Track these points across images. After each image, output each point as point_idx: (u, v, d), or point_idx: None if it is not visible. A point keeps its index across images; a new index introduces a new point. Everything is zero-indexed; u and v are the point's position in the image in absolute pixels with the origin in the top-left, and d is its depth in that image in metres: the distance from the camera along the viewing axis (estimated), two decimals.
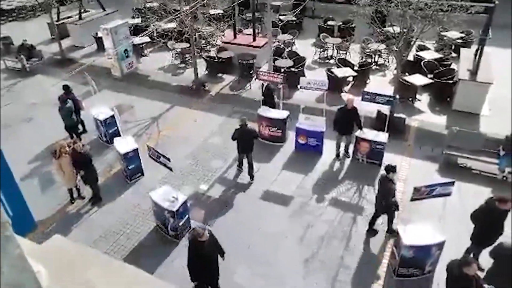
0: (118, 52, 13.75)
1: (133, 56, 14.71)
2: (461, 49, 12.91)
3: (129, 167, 9.10)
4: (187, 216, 7.76)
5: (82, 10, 17.39)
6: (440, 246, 6.49)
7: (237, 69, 13.78)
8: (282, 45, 14.69)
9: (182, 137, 10.86)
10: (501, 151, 8.63)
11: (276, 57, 13.46)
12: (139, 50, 15.72)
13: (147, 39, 15.40)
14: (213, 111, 11.93)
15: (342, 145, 9.79)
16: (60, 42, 15.77)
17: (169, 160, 7.21)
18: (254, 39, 14.52)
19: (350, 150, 9.77)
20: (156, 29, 14.89)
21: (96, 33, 16.13)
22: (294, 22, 16.88)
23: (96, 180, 8.52)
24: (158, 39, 14.51)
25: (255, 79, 12.41)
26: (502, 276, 5.60)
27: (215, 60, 14.11)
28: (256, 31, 14.83)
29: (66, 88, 10.34)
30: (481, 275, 6.34)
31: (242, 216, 8.20)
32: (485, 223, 6.22)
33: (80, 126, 10.84)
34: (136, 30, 16.16)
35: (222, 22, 14.00)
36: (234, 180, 9.24)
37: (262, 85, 10.85)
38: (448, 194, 6.28)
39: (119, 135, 9.76)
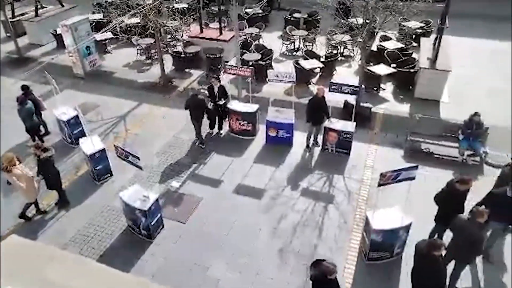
0: (80, 49, 13.25)
1: (96, 53, 14.22)
2: (421, 38, 13.40)
3: (97, 168, 8.85)
4: (159, 214, 7.67)
5: (39, 6, 16.57)
6: (407, 228, 6.78)
7: (205, 64, 13.64)
8: (249, 39, 14.67)
9: (151, 134, 10.67)
10: (460, 135, 9.07)
11: (243, 51, 13.44)
12: (102, 46, 15.21)
13: (109, 35, 14.91)
14: (182, 107, 11.73)
15: (312, 135, 9.96)
16: (16, 40, 14.98)
17: (138, 158, 7.06)
18: (221, 33, 14.41)
19: (319, 140, 9.95)
20: (119, 25, 14.46)
21: (55, 30, 15.45)
22: (261, 15, 16.89)
23: (60, 183, 8.22)
24: (121, 35, 14.11)
25: (223, 73, 12.31)
26: (458, 247, 5.97)
27: (182, 55, 13.90)
28: (223, 24, 14.72)
29: (25, 88, 9.87)
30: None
31: (216, 211, 8.20)
32: (447, 204, 6.55)
33: (42, 128, 10.40)
34: (97, 26, 15.61)
35: (187, 16, 13.78)
36: (207, 175, 9.20)
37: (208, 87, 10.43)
38: (413, 178, 6.52)
39: (85, 136, 9.44)
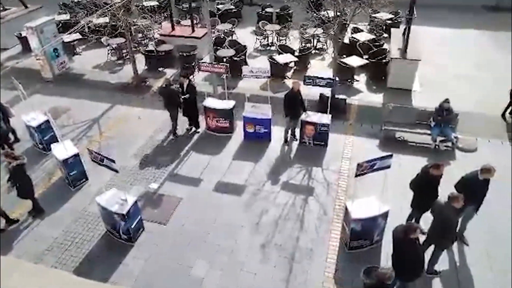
0: (47, 51, 12.80)
1: (64, 55, 13.79)
2: (391, 29, 13.67)
3: (71, 174, 8.60)
4: (139, 217, 7.55)
5: (1, 8, 15.87)
6: (385, 215, 6.94)
7: (178, 62, 13.45)
8: (223, 35, 14.57)
9: (126, 136, 10.45)
10: (432, 122, 9.34)
11: (217, 47, 13.35)
12: (71, 48, 14.75)
13: (78, 36, 14.46)
14: (157, 107, 11.58)
15: (290, 129, 10.02)
16: None
17: (113, 161, 6.90)
18: (193, 30, 14.25)
19: (297, 134, 10.02)
20: (87, 25, 14.04)
21: (20, 33, 14.84)
22: (233, 10, 16.78)
23: (32, 191, 7.94)
24: (90, 36, 13.68)
25: (197, 70, 12.19)
26: (436, 231, 6.17)
27: (154, 54, 13.65)
28: (194, 21, 14.55)
29: None
30: (423, 237, 6.92)
31: (197, 210, 8.14)
32: (422, 189, 6.74)
33: (11, 135, 10.00)
34: (64, 27, 15.09)
35: (158, 14, 13.53)
36: (185, 174, 9.11)
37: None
38: (388, 167, 6.67)
39: (57, 141, 9.15)
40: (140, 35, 15.18)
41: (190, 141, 10.28)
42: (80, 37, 14.69)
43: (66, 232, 7.74)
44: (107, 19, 14.36)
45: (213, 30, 14.76)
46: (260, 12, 16.39)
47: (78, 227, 7.85)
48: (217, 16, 15.56)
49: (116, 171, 7.09)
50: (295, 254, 7.12)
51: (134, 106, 11.76)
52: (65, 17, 16.29)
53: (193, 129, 10.62)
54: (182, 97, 9.91)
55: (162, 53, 13.59)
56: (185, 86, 9.98)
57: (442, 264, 6.75)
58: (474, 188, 6.32)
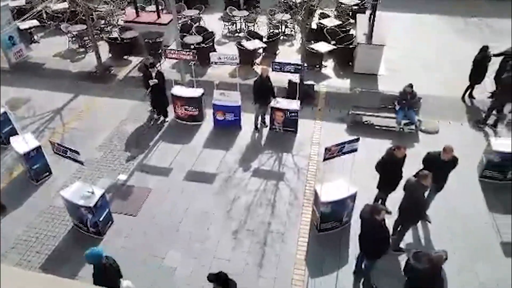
0: (1, 39, 12.04)
1: (21, 44, 13.02)
2: (357, 14, 13.83)
3: (33, 168, 8.24)
4: (107, 209, 7.37)
5: None
6: (353, 197, 7.15)
7: (144, 49, 13.04)
8: (189, 21, 14.23)
9: (91, 127, 10.10)
10: (396, 106, 9.62)
11: (184, 34, 13.05)
12: (28, 35, 13.94)
13: (35, 22, 13.66)
14: (123, 96, 11.25)
15: (260, 116, 10.02)
16: None
17: (78, 153, 6.66)
18: (159, 16, 13.82)
19: (267, 120, 10.05)
20: (45, 11, 13.30)
21: None
22: None
23: None
24: (48, 22, 12.98)
25: (164, 58, 11.89)
26: (406, 208, 6.45)
27: (119, 42, 13.17)
28: (160, 7, 14.10)
29: None
30: (389, 217, 7.19)
31: (168, 200, 8.05)
32: (387, 171, 6.97)
33: None
34: (20, 13, 14.18)
35: (121, 0, 13.01)
36: (155, 165, 8.95)
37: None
38: (355, 150, 6.84)
39: (16, 134, 8.70)
40: (102, 21, 14.55)
41: (159, 130, 10.07)
42: (38, 24, 13.92)
43: (30, 229, 7.46)
44: (66, 5, 13.68)
45: (179, 16, 14.35)
46: None
47: (42, 223, 7.57)
48: (182, 1, 15.14)
49: (81, 163, 6.85)
50: (267, 238, 7.22)
51: (99, 96, 11.34)
52: (20, 2, 15.31)
53: (161, 118, 10.40)
54: (151, 82, 9.60)
55: (126, 40, 13.13)
56: (153, 74, 9.72)
57: (407, 240, 7.06)
58: (436, 168, 6.60)
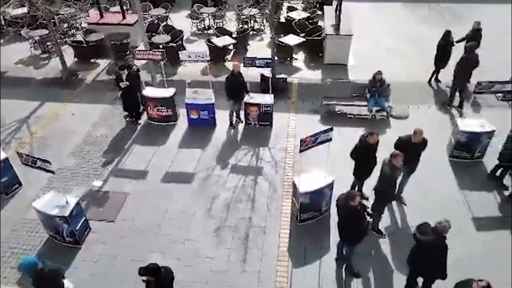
0: None
1: None
2: (324, 6, 14.00)
3: (2, 181, 7.91)
4: (83, 218, 7.18)
5: None
6: (330, 186, 7.26)
7: (111, 51, 12.73)
8: (156, 20, 13.99)
9: (61, 134, 9.79)
10: (367, 94, 9.83)
11: (151, 34, 12.83)
12: None
13: None
14: (93, 101, 10.95)
15: (234, 112, 10.00)
16: None
17: (48, 162, 6.45)
18: (124, 17, 13.51)
19: (242, 116, 10.05)
20: (3, 16, 12.73)
21: None
22: None
23: None
24: (7, 28, 12.43)
25: (133, 59, 11.65)
26: (380, 187, 6.64)
27: (84, 45, 12.79)
28: (124, 7, 13.80)
29: None
30: (366, 202, 7.36)
31: (145, 203, 7.92)
32: (361, 157, 7.13)
33: None
34: None
35: (83, 1, 12.60)
36: (131, 168, 8.78)
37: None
38: (330, 140, 6.96)
39: None
40: (65, 25, 14.07)
41: (133, 133, 9.88)
42: None
43: (3, 244, 7.16)
44: (25, 9, 13.14)
45: (145, 16, 14.09)
46: None
47: (16, 237, 7.30)
48: (148, 1, 14.85)
49: (52, 172, 6.65)
50: (249, 233, 7.25)
51: (67, 102, 10.99)
52: None
53: (135, 121, 10.20)
54: (122, 84, 9.39)
55: (92, 43, 12.76)
56: (123, 77, 9.51)
57: (384, 223, 7.26)
58: (408, 151, 6.79)
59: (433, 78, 11.20)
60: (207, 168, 8.72)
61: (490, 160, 8.24)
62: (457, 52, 10.65)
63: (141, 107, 10.13)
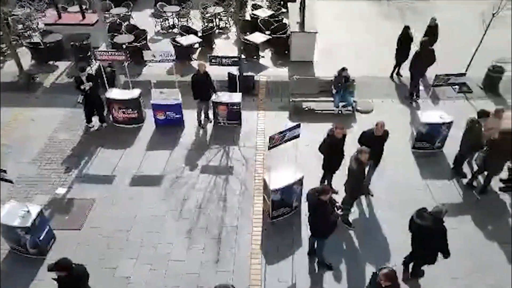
0: None
1: None
2: (289, 3, 14.10)
3: None
4: (47, 227, 6.88)
5: None
6: (300, 182, 7.35)
7: (71, 53, 12.24)
8: (118, 20, 13.58)
9: (21, 141, 9.32)
10: (333, 90, 10.02)
11: (114, 34, 12.45)
12: None
13: None
14: (53, 104, 10.49)
15: (202, 112, 9.90)
16: None
17: (4, 171, 6.12)
18: (84, 17, 13.02)
19: (210, 115, 9.96)
20: None
21: None
22: None
23: None
24: None
25: (94, 60, 11.25)
26: (349, 182, 6.79)
27: (41, 46, 12.21)
28: (84, 7, 13.30)
29: None
30: (336, 196, 7.50)
31: (113, 208, 7.70)
32: (330, 151, 7.26)
33: None
34: None
35: (39, 1, 12.03)
36: (96, 173, 8.50)
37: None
38: (298, 136, 7.03)
39: None
40: (20, 26, 13.38)
41: (97, 137, 9.57)
42: None
43: None
44: None
45: (106, 15, 13.68)
46: None
47: None
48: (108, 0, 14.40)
49: (11, 181, 6.32)
50: (222, 233, 7.22)
51: (25, 107, 10.46)
52: None
53: (98, 124, 9.87)
54: (84, 87, 9.04)
55: (49, 44, 12.20)
56: (84, 79, 9.17)
57: (354, 215, 7.45)
58: (372, 144, 6.99)
59: (394, 73, 11.57)
60: (176, 170, 8.59)
61: (450, 149, 8.63)
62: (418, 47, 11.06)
63: (105, 109, 9.81)
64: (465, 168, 8.39)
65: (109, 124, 9.94)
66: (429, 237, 5.64)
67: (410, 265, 6.40)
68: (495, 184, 7.98)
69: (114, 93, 9.69)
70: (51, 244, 6.96)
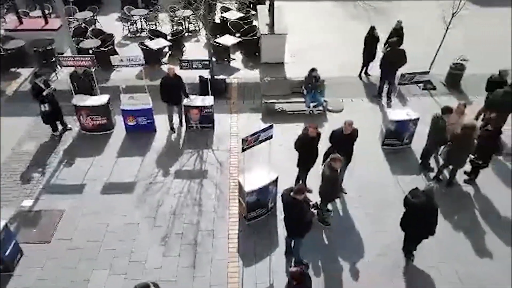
0: None
1: None
2: (258, 6, 14.18)
3: None
4: (13, 242, 6.58)
5: None
6: (275, 182, 7.39)
7: (35, 59, 11.78)
8: (83, 24, 13.20)
9: None
10: (304, 90, 10.16)
11: (79, 38, 12.08)
12: None
13: None
14: (16, 113, 10.05)
15: (175, 116, 9.78)
16: None
17: None
18: (47, 22, 12.58)
19: (183, 119, 9.85)
20: None
21: None
22: None
23: None
24: None
25: (60, 67, 10.88)
26: (323, 187, 6.88)
27: (2, 53, 11.67)
28: (46, 11, 12.84)
29: None
30: (311, 196, 7.59)
31: (85, 219, 7.46)
32: (304, 149, 7.35)
33: None
34: None
35: None
36: (65, 183, 8.21)
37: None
38: (271, 137, 7.07)
39: None
40: None
41: (64, 145, 9.25)
42: None
43: None
44: None
45: (71, 20, 13.28)
46: None
47: None
48: (72, 3, 13.95)
49: None
50: (198, 238, 7.15)
51: None
52: None
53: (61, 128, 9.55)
54: (48, 90, 8.73)
55: (11, 51, 11.69)
56: (41, 85, 8.85)
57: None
58: (342, 143, 7.14)
59: (362, 72, 11.86)
60: (149, 176, 8.43)
61: (418, 145, 8.93)
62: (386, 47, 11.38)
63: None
64: (433, 163, 8.72)
65: (77, 131, 9.63)
66: (422, 214, 6.09)
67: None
68: (460, 177, 8.33)
69: (81, 99, 9.41)
70: (18, 259, 6.65)
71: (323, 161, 7.34)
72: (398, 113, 9.06)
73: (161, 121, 9.72)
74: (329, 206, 7.57)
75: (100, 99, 9.43)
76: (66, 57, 9.57)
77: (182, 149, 9.23)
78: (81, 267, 6.63)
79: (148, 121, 9.57)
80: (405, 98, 10.79)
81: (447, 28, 10.28)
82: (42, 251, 6.86)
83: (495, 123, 8.01)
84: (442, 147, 8.24)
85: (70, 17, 13.38)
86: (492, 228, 7.40)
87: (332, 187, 6.83)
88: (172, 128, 9.73)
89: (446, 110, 7.95)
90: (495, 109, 8.58)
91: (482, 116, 9.47)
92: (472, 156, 7.98)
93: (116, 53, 12.00)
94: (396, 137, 9.08)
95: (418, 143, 8.84)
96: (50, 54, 11.63)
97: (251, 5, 14.83)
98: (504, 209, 7.76)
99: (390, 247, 7.02)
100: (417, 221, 6.20)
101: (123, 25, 13.98)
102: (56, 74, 11.55)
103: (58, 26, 12.23)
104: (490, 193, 8.12)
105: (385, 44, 10.84)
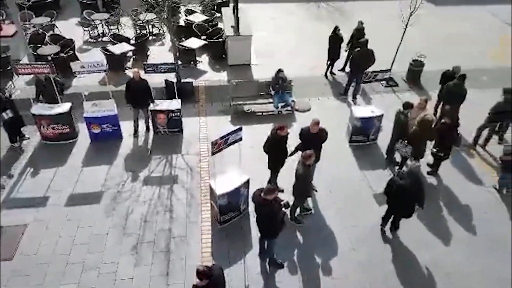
0: None
1: None
2: (222, 8, 14.16)
3: None
4: None
5: None
6: (247, 184, 7.38)
7: None
8: (41, 30, 12.66)
9: None
10: (272, 91, 10.23)
11: (37, 45, 11.57)
12: None
13: None
14: None
15: (141, 121, 9.56)
16: None
17: None
18: (1, 28, 11.93)
19: (150, 124, 9.65)
20: None
21: None
22: (47, 1, 14.64)
23: None
24: None
25: (16, 75, 10.35)
26: (296, 185, 6.94)
27: None
28: (0, 17, 12.20)
29: None
30: (282, 195, 7.64)
31: (50, 232, 7.14)
32: (273, 150, 7.39)
33: None
34: None
35: None
36: (27, 197, 7.82)
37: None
38: (240, 139, 7.06)
39: None
40: None
41: (25, 157, 8.82)
42: None
43: None
44: None
45: (26, 26, 12.70)
46: (82, 0, 14.77)
47: None
48: (26, 8, 13.32)
49: None
50: (170, 245, 7.01)
51: None
52: None
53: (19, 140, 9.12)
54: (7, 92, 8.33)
55: None
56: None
57: (298, 210, 7.64)
58: (310, 141, 7.23)
59: (328, 71, 12.11)
60: (117, 184, 8.20)
61: (383, 141, 9.21)
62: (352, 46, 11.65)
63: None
64: (398, 157, 9.02)
65: (38, 142, 9.21)
66: (410, 193, 6.50)
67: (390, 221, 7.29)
68: (423, 169, 8.67)
69: (41, 108, 9.01)
70: None
71: (291, 154, 7.55)
72: (363, 110, 9.31)
73: (127, 127, 9.49)
74: (309, 204, 7.66)
75: (61, 108, 9.07)
76: (23, 64, 9.12)
77: (150, 155, 9.04)
78: (47, 283, 6.33)
79: (114, 127, 9.30)
80: (369, 95, 11.12)
81: (406, 27, 10.69)
82: (5, 268, 6.48)
83: (450, 116, 8.39)
84: (399, 141, 8.43)
85: (26, 23, 12.79)
86: (454, 216, 7.76)
87: (305, 183, 6.90)
88: (135, 132, 9.50)
89: (407, 105, 8.25)
90: (447, 101, 9.02)
91: (439, 110, 9.93)
92: (434, 150, 8.32)
93: (77, 59, 11.60)
94: (362, 133, 9.32)
95: (384, 139, 9.12)
96: (5, 62, 11.06)
97: (216, 8, 14.79)
98: (464, 198, 8.16)
99: (362, 241, 7.20)
100: (404, 200, 6.63)
101: (84, 30, 13.53)
102: (12, 82, 10.99)
103: (13, 33, 11.64)
104: (451, 183, 8.51)
105: (348, 44, 11.10)
